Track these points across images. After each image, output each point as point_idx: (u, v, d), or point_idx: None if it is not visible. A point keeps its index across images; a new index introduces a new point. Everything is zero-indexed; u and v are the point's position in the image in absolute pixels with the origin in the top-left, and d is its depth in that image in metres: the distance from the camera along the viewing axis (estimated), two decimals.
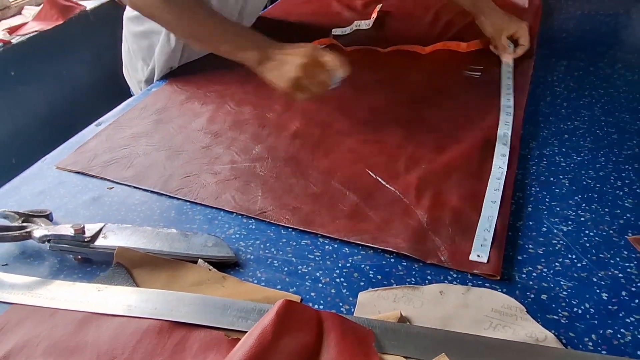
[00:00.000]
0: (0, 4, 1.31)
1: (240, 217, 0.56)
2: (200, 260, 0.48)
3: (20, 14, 1.34)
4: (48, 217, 0.54)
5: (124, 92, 0.97)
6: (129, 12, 0.89)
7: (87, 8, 1.39)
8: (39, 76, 1.27)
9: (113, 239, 0.50)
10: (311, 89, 0.64)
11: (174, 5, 0.67)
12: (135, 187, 0.61)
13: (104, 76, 1.48)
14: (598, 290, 0.44)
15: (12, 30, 1.22)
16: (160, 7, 0.67)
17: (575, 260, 0.47)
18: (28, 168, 0.66)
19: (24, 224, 0.52)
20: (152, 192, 0.60)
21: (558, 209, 0.54)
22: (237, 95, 0.80)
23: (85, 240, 0.50)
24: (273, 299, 0.44)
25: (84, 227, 0.50)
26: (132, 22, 0.89)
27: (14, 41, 1.19)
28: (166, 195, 0.59)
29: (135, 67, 0.94)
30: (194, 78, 0.87)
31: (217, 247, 0.49)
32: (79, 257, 0.51)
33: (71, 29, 1.34)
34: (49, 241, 0.50)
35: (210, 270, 0.48)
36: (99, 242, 0.50)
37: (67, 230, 0.50)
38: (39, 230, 0.50)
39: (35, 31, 1.24)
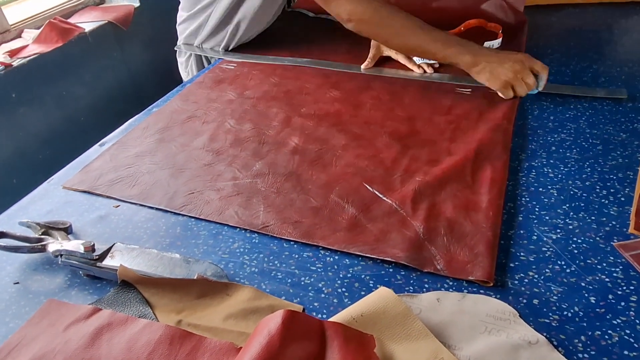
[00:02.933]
0: (0, 27, 1.33)
1: (243, 231, 0.58)
2: (197, 274, 0.50)
3: (20, 37, 1.37)
4: (67, 230, 0.56)
5: (123, 113, 1.00)
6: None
7: (86, 30, 1.42)
8: (40, 98, 1.29)
9: (119, 259, 0.52)
10: (518, 90, 0.79)
11: (390, 25, 0.83)
12: (140, 205, 0.63)
13: (103, 97, 1.50)
14: (586, 295, 0.47)
15: (12, 53, 1.24)
16: (380, 28, 0.84)
17: (565, 267, 0.50)
18: (29, 188, 0.68)
19: (42, 237, 0.54)
20: (157, 209, 0.62)
21: (547, 217, 0.56)
22: (237, 113, 0.83)
23: (94, 258, 0.52)
24: (277, 307, 0.46)
25: (93, 245, 0.52)
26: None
27: (14, 64, 1.22)
28: (171, 212, 0.62)
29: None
30: (193, 97, 0.89)
31: (215, 278, 0.50)
32: (87, 274, 0.53)
33: (71, 51, 1.37)
34: (61, 256, 0.52)
35: (210, 281, 0.49)
36: (107, 261, 0.52)
37: (77, 247, 0.52)
38: (54, 244, 0.52)
39: (36, 54, 1.26)
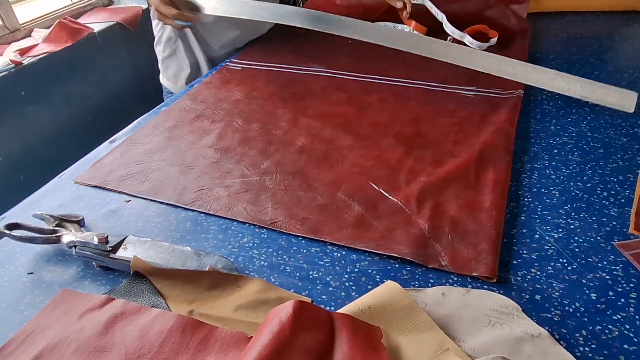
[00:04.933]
0: (11, 26, 1.35)
1: (252, 227, 0.59)
2: (208, 266, 0.51)
3: (30, 36, 1.39)
4: (79, 222, 0.57)
5: (129, 112, 1.01)
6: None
7: (95, 31, 1.44)
8: (48, 96, 1.31)
9: (132, 251, 0.53)
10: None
11: None
12: (151, 200, 0.65)
13: (110, 96, 1.52)
14: (587, 291, 0.48)
15: (23, 51, 1.26)
16: None
17: (566, 264, 0.51)
18: (36, 185, 0.69)
19: (56, 228, 0.55)
20: (167, 204, 0.64)
21: (549, 217, 0.58)
22: (244, 113, 0.84)
23: (107, 249, 0.53)
24: (286, 299, 0.47)
25: (107, 237, 0.53)
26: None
27: (24, 62, 1.24)
28: (181, 207, 0.63)
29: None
30: (201, 97, 0.91)
31: (225, 270, 0.51)
32: (100, 265, 0.54)
33: (79, 50, 1.39)
34: (75, 247, 0.53)
35: (221, 273, 0.51)
36: (120, 253, 0.53)
37: (91, 238, 0.53)
38: (68, 235, 0.54)
39: (46, 52, 1.28)
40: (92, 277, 0.53)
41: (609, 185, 0.62)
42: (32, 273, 0.54)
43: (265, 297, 0.48)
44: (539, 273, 0.50)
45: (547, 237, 0.55)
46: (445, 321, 0.45)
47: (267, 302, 0.48)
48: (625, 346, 0.42)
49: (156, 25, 1.10)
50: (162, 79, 1.16)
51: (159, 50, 1.13)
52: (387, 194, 0.63)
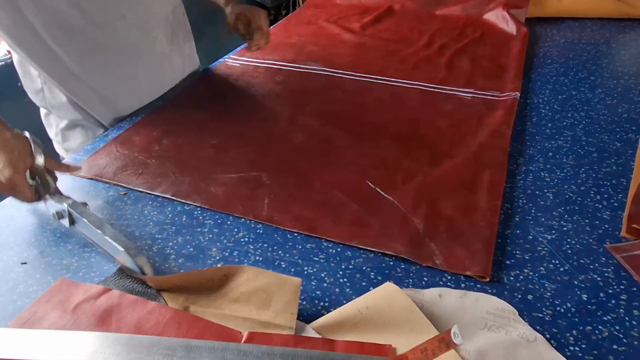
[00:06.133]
0: None
1: (248, 222, 0.59)
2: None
3: None
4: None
5: None
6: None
7: None
8: None
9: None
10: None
11: None
12: (147, 193, 0.64)
13: None
14: (579, 292, 0.48)
15: None
16: None
17: (559, 265, 0.52)
18: None
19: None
20: (163, 197, 0.64)
21: (543, 219, 0.58)
22: (243, 110, 0.84)
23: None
24: (274, 283, 0.47)
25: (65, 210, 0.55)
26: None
27: None
28: (177, 200, 0.63)
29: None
30: (199, 93, 0.91)
31: (135, 255, 0.50)
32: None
33: None
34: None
35: (213, 268, 0.50)
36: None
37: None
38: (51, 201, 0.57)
39: None
40: (87, 269, 0.53)
41: (602, 189, 0.63)
42: (25, 263, 0.54)
43: (255, 286, 0.47)
44: (531, 273, 0.51)
45: (540, 239, 0.55)
46: (441, 323, 0.45)
47: (257, 291, 0.47)
48: (615, 346, 0.43)
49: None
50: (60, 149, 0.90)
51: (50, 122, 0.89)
52: (383, 193, 0.63)
